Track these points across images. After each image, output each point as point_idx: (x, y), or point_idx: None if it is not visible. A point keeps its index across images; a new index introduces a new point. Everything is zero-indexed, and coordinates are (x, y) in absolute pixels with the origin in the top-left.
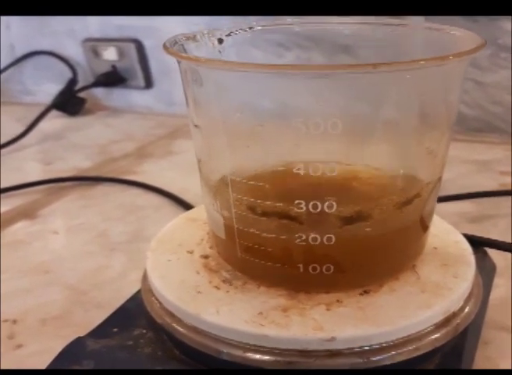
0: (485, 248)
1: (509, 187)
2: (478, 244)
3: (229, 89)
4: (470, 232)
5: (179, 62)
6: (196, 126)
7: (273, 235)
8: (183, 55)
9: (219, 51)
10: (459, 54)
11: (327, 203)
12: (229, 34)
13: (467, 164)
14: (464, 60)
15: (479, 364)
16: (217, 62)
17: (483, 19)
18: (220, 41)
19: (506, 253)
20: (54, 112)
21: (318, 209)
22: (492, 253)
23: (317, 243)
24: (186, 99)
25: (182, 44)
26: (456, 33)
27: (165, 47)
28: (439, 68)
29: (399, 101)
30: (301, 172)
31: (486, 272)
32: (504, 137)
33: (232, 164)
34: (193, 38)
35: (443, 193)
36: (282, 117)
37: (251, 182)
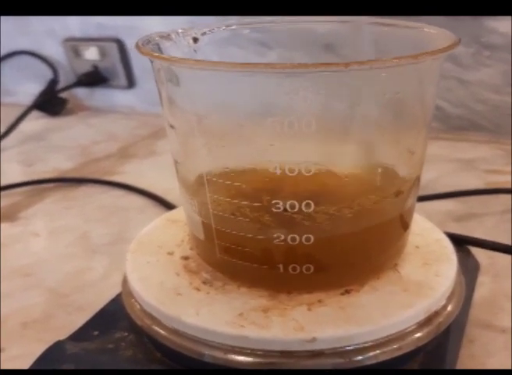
0: (469, 247)
1: (494, 186)
2: (461, 242)
3: (202, 88)
4: (456, 231)
5: (151, 62)
6: (171, 126)
7: (251, 235)
8: (155, 54)
9: (194, 50)
10: (432, 52)
11: (305, 203)
12: (204, 33)
13: (451, 163)
14: (439, 58)
15: (464, 362)
16: (188, 60)
17: (466, 18)
18: (195, 39)
19: (491, 251)
20: (35, 113)
21: (296, 209)
22: (477, 252)
23: (296, 243)
24: (161, 99)
25: (157, 44)
26: (432, 31)
27: (137, 46)
28: (413, 66)
29: (374, 99)
30: (277, 171)
31: (469, 270)
32: (488, 135)
33: (209, 164)
34: (168, 37)
35: (429, 192)
36: (257, 116)
37: (228, 182)
